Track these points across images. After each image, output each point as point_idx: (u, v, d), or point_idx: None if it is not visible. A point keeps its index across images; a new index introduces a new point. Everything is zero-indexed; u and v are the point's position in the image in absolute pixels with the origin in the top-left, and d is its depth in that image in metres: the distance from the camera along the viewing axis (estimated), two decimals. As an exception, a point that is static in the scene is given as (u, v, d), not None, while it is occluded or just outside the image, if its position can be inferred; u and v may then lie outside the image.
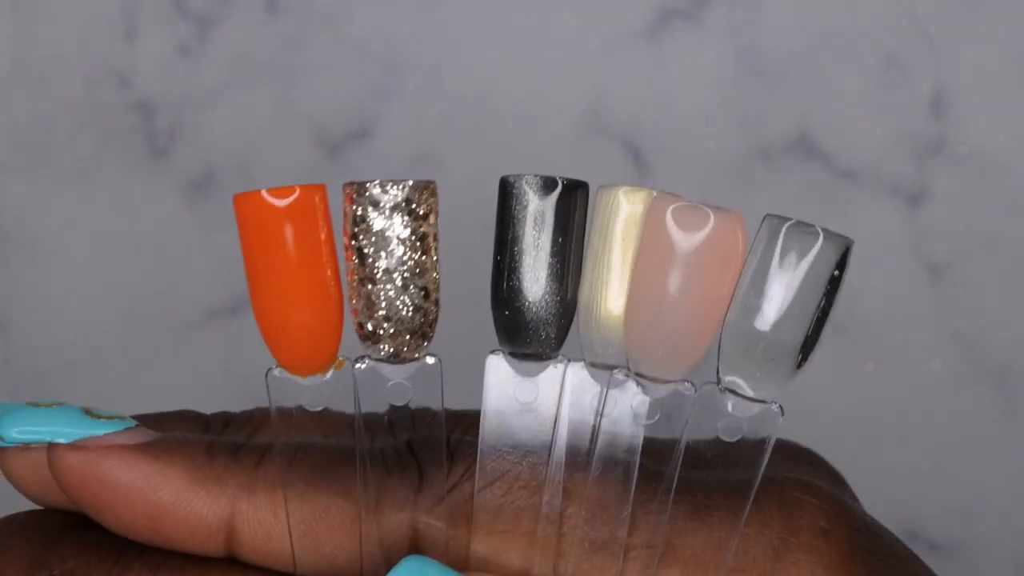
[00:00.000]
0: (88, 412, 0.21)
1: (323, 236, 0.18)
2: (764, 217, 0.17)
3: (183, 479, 0.20)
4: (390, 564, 0.18)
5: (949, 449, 0.42)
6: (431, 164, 0.42)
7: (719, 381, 0.18)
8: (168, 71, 0.42)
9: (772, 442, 0.19)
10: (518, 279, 0.18)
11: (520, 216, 0.18)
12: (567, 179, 0.18)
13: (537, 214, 0.18)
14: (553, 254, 0.18)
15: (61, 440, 0.20)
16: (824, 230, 0.17)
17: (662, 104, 0.42)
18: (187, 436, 0.21)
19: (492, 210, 0.19)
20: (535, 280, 0.18)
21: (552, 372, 0.19)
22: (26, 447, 0.20)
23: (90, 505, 0.20)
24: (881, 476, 0.42)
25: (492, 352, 0.19)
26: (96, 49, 0.43)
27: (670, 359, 0.18)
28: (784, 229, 0.17)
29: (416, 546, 0.20)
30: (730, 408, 0.18)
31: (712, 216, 0.17)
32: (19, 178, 0.43)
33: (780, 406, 0.18)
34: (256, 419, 0.22)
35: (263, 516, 0.20)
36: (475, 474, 0.20)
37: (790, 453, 0.23)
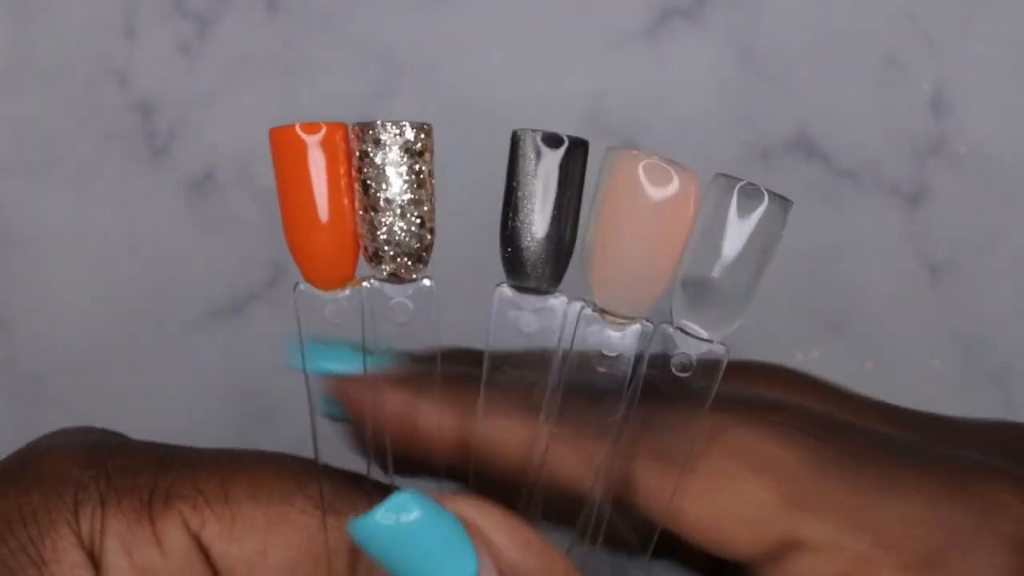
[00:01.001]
0: (366, 349, 0.23)
1: (342, 170, 0.21)
2: (714, 175, 0.20)
3: (436, 407, 0.23)
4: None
5: (949, 449, 0.42)
6: (431, 164, 0.42)
7: (672, 323, 0.20)
8: (168, 71, 0.42)
9: (721, 372, 0.21)
10: (521, 221, 0.20)
11: (526, 167, 0.20)
12: (570, 136, 0.20)
13: (540, 166, 0.20)
14: (553, 202, 0.20)
15: (345, 371, 0.23)
16: (768, 191, 0.19)
17: (662, 104, 0.42)
18: (445, 369, 0.23)
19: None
20: (536, 223, 0.20)
21: (553, 304, 0.21)
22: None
23: (368, 426, 0.23)
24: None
25: (498, 284, 0.21)
26: (96, 49, 0.43)
27: (631, 296, 0.20)
28: (736, 188, 0.19)
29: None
30: (682, 348, 0.20)
31: (675, 175, 0.19)
32: (19, 178, 0.43)
33: (726, 347, 0.20)
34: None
35: (489, 433, 0.23)
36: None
37: (1010, 429, 0.23)
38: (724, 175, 0.19)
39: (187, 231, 0.42)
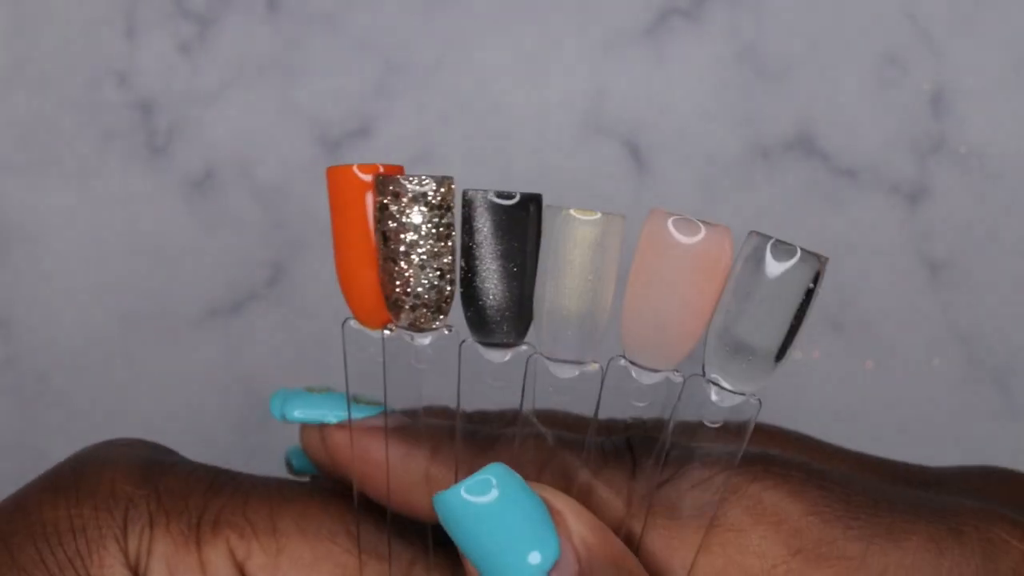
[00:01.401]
0: (355, 398, 0.24)
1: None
2: (748, 233, 0.19)
3: (426, 459, 0.23)
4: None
5: (949, 448, 0.42)
6: (431, 164, 0.42)
7: (704, 374, 0.20)
8: (168, 71, 0.43)
9: (751, 429, 0.20)
10: (480, 281, 0.20)
11: (480, 226, 0.20)
12: (523, 193, 0.20)
13: (496, 224, 0.20)
14: (510, 258, 0.20)
15: (331, 420, 0.23)
16: (802, 249, 0.19)
17: (662, 104, 0.42)
18: (433, 423, 0.23)
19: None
20: (495, 282, 0.20)
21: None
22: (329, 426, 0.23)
23: (354, 475, 0.23)
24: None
25: (463, 341, 0.21)
26: (96, 48, 0.43)
27: (662, 350, 0.20)
28: (768, 246, 0.19)
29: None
30: (714, 398, 0.20)
31: (703, 227, 0.19)
32: (20, 177, 0.43)
33: (759, 399, 0.20)
34: (507, 418, 0.24)
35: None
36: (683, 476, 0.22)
37: (1000, 480, 0.24)
38: (757, 233, 0.19)
39: (187, 230, 0.42)
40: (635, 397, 0.21)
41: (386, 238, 0.20)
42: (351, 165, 0.21)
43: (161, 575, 0.22)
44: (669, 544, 0.21)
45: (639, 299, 0.19)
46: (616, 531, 0.22)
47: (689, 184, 0.42)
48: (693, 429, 0.21)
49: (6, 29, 0.43)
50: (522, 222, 0.20)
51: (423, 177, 0.20)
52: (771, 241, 0.19)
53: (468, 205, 0.20)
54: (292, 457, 0.27)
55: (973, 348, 0.42)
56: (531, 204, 0.20)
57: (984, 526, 0.21)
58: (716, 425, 0.20)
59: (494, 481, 0.19)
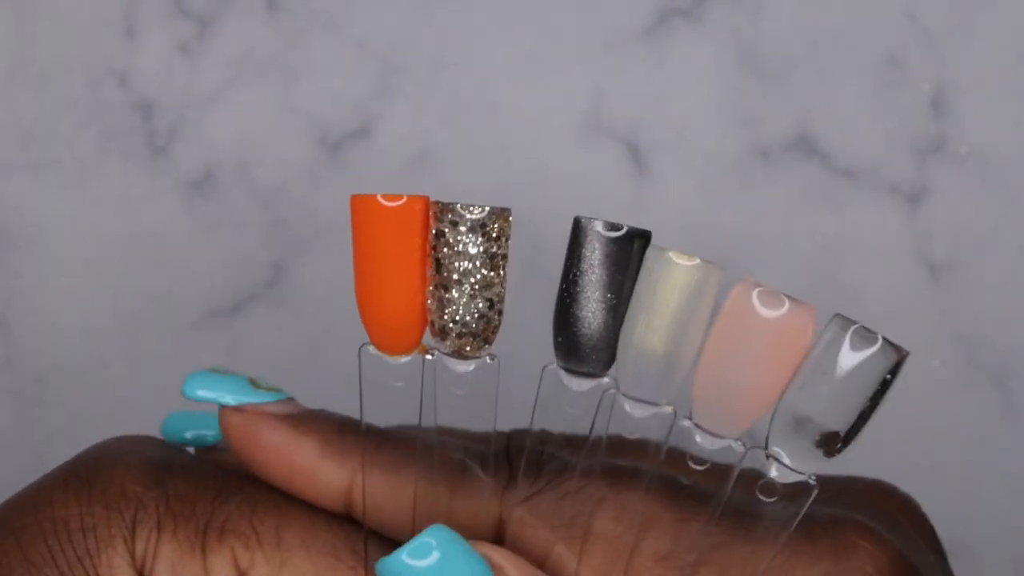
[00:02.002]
0: (253, 382, 0.24)
1: (419, 240, 0.21)
2: (833, 316, 0.20)
3: (315, 449, 0.23)
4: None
5: (949, 449, 0.42)
6: (431, 164, 0.42)
7: (766, 447, 0.20)
8: (168, 71, 0.43)
9: (803, 511, 0.21)
10: (579, 308, 0.21)
11: (588, 254, 0.20)
12: (631, 227, 0.20)
13: (604, 254, 0.20)
14: (611, 289, 0.20)
15: (229, 401, 0.23)
16: (884, 339, 0.19)
17: (662, 104, 0.42)
18: (327, 413, 0.24)
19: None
20: (594, 311, 0.21)
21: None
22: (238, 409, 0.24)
23: (245, 459, 0.23)
24: (880, 475, 0.42)
25: (547, 366, 0.22)
26: (96, 49, 0.43)
27: (728, 418, 0.20)
28: (850, 331, 0.19)
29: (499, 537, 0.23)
30: (773, 473, 0.21)
31: (787, 302, 0.19)
32: (20, 177, 0.43)
33: (816, 479, 0.20)
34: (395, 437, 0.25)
35: (376, 491, 0.23)
36: (557, 485, 0.22)
37: (875, 494, 0.24)
38: (842, 316, 0.19)
39: (187, 231, 0.42)
40: (694, 460, 0.21)
41: (439, 265, 0.21)
42: (375, 195, 0.21)
43: None
44: (551, 554, 0.22)
45: (715, 364, 0.20)
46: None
47: (689, 184, 0.42)
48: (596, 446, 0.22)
49: (6, 29, 0.43)
50: (627, 255, 0.20)
51: (482, 207, 0.21)
52: (854, 327, 0.19)
53: (578, 231, 0.20)
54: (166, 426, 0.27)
55: (973, 348, 0.42)
56: (637, 239, 0.20)
57: (835, 530, 0.21)
58: (771, 500, 0.21)
59: (434, 543, 0.20)
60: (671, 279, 0.20)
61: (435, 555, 0.20)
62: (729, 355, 0.20)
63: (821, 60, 0.42)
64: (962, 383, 0.42)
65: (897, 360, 0.19)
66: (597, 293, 0.20)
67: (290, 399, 0.24)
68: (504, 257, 0.21)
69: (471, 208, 0.20)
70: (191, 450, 0.28)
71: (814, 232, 0.42)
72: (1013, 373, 0.42)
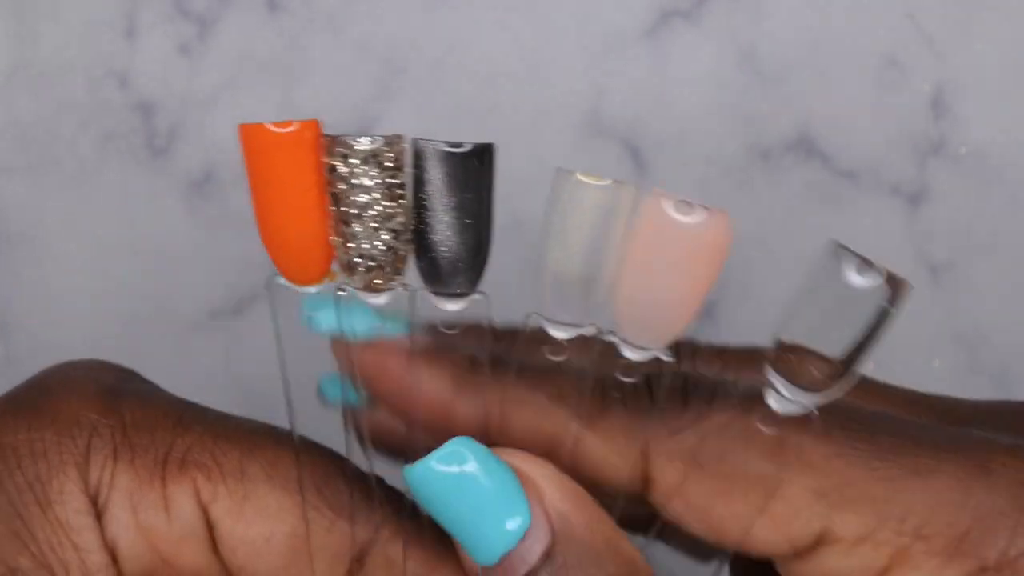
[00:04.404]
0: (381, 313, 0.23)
1: (313, 168, 0.20)
2: (834, 244, 0.19)
3: (449, 384, 0.22)
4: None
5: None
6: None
7: (767, 382, 0.20)
8: (168, 71, 0.43)
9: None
10: (433, 232, 0.20)
11: (431, 177, 0.20)
12: (472, 143, 0.20)
13: (447, 175, 0.20)
14: (461, 208, 0.20)
15: (359, 331, 0.22)
16: (881, 267, 0.19)
17: (662, 104, 0.42)
18: (459, 347, 0.23)
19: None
20: (449, 234, 0.20)
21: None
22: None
23: (379, 393, 0.22)
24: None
25: (415, 290, 0.21)
26: (97, 49, 0.43)
27: (653, 330, 0.20)
28: (844, 258, 0.19)
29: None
30: (773, 405, 0.20)
31: (701, 210, 0.19)
32: (20, 178, 0.43)
33: (816, 411, 0.20)
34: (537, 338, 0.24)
35: (512, 425, 0.22)
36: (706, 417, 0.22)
37: None
38: (839, 243, 0.19)
39: (187, 231, 0.42)
40: (622, 372, 0.21)
41: (336, 199, 0.20)
42: (263, 123, 0.20)
43: (122, 508, 0.21)
44: (693, 493, 0.21)
45: (636, 277, 0.19)
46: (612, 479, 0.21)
47: (689, 185, 0.42)
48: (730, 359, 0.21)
49: (6, 30, 0.43)
50: (475, 173, 0.20)
51: (373, 136, 0.20)
52: (847, 254, 0.19)
53: (419, 156, 0.20)
54: (325, 386, 0.26)
55: (973, 349, 0.42)
56: (484, 154, 0.20)
57: (1013, 463, 0.20)
58: (631, 380, 0.21)
59: (462, 454, 0.19)
60: (582, 201, 0.19)
61: (467, 463, 0.19)
62: (649, 267, 0.19)
63: (821, 60, 0.42)
64: (962, 383, 0.42)
65: (895, 290, 0.19)
66: (448, 216, 0.20)
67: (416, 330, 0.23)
68: (403, 186, 0.20)
69: (360, 139, 0.20)
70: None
71: (814, 233, 0.42)
72: (1013, 373, 0.42)
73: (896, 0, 0.42)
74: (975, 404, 0.24)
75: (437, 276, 0.20)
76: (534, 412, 0.22)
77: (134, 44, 0.43)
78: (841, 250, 0.19)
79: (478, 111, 0.42)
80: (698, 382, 0.22)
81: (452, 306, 0.21)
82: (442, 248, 0.20)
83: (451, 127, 0.42)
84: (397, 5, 0.42)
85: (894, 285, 0.19)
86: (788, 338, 0.19)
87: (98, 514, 0.21)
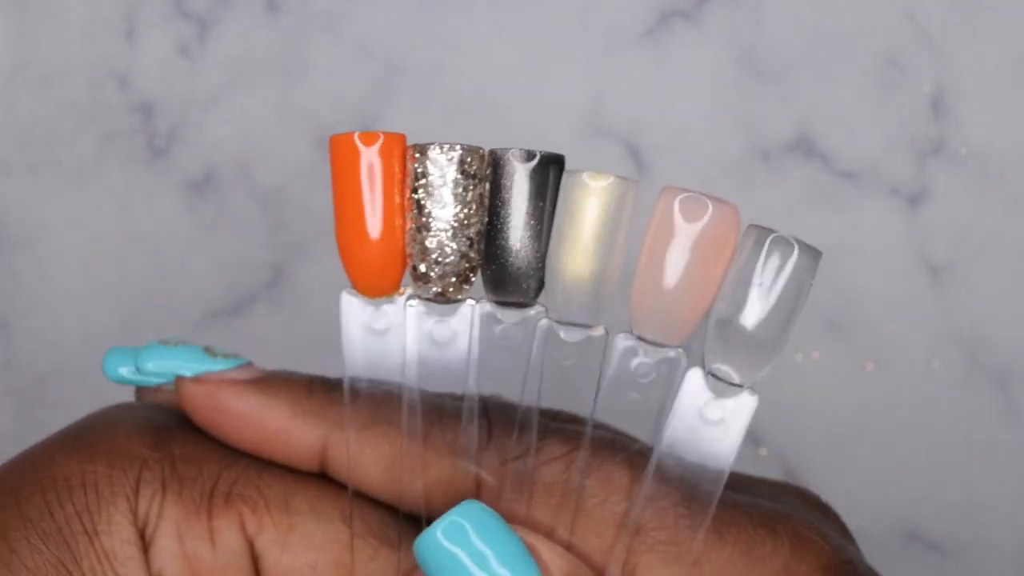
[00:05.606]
0: (208, 350, 0.23)
1: (396, 180, 0.21)
2: (748, 226, 0.20)
3: (286, 411, 0.23)
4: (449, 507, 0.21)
5: (949, 449, 0.42)
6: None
7: (704, 366, 0.21)
8: (168, 71, 0.43)
9: (742, 433, 0.21)
10: (506, 239, 0.21)
11: (508, 184, 0.21)
12: (544, 152, 0.21)
13: (524, 183, 0.21)
14: (534, 216, 0.21)
15: (186, 373, 0.23)
16: (798, 241, 0.20)
17: (662, 104, 0.42)
18: (291, 374, 0.23)
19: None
20: (521, 239, 0.21)
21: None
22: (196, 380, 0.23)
23: (210, 429, 0.23)
24: (881, 476, 0.42)
25: (476, 301, 0.22)
26: (97, 50, 0.43)
27: (669, 324, 0.21)
28: (768, 240, 0.20)
29: (477, 496, 0.22)
30: (708, 386, 0.21)
31: (710, 205, 0.20)
32: (20, 178, 0.43)
33: (758, 395, 0.21)
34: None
35: (351, 448, 0.22)
36: (539, 450, 0.22)
37: (806, 498, 0.25)
38: (756, 226, 0.20)
39: (187, 231, 0.42)
40: (640, 374, 0.21)
41: (420, 207, 0.21)
42: (352, 133, 0.21)
43: (170, 540, 0.21)
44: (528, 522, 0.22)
45: (649, 275, 0.20)
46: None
47: (689, 185, 0.42)
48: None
49: (6, 30, 0.43)
50: (547, 181, 0.21)
51: (456, 145, 0.21)
52: (771, 235, 0.20)
53: (497, 165, 0.21)
54: (107, 363, 0.26)
55: (973, 349, 0.42)
56: (557, 164, 0.21)
57: (792, 525, 0.22)
58: (647, 380, 0.21)
59: (467, 525, 0.20)
60: (588, 201, 0.20)
61: (472, 537, 0.19)
62: (663, 263, 0.20)
63: (821, 61, 0.42)
64: (962, 384, 0.42)
65: (814, 261, 0.20)
66: (521, 221, 0.21)
67: (249, 363, 0.24)
68: (483, 197, 0.21)
69: (445, 147, 0.21)
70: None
71: (814, 233, 0.42)
72: (1013, 373, 0.42)
73: (896, 0, 0.42)
74: (762, 480, 0.26)
75: (504, 285, 0.21)
76: (370, 434, 0.23)
77: (134, 44, 0.43)
78: (757, 231, 0.20)
79: (478, 111, 0.42)
80: (529, 418, 0.23)
81: (512, 317, 0.22)
82: (512, 256, 0.21)
83: (451, 127, 0.42)
84: (397, 5, 0.42)
85: (811, 256, 0.20)
86: (722, 320, 0.20)
87: (146, 546, 0.22)
